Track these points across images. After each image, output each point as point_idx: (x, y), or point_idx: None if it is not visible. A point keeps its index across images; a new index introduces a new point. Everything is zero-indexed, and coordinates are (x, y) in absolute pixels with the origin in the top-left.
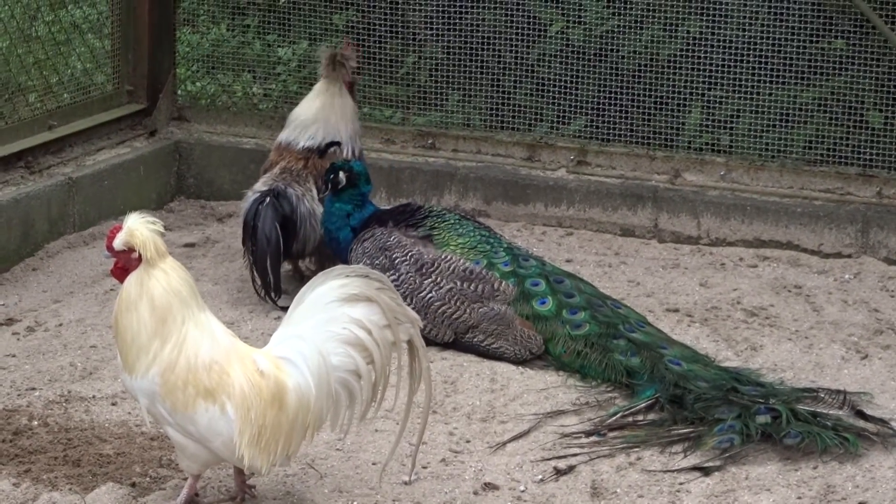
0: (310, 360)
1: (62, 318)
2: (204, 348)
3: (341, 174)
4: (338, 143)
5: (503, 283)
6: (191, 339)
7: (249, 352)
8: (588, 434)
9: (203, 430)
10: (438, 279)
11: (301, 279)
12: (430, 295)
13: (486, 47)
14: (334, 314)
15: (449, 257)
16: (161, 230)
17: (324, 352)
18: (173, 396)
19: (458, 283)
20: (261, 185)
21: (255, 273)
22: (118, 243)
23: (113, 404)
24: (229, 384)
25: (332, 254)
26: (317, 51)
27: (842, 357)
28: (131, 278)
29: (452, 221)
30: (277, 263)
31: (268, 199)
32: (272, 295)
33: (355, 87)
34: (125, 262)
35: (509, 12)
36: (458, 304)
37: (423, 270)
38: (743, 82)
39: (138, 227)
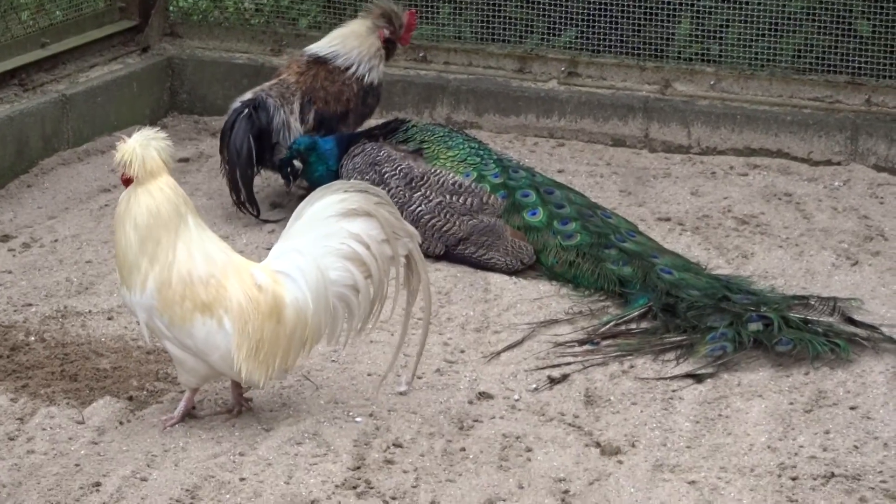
0: (308, 274)
1: (57, 234)
2: (198, 266)
3: (295, 163)
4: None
5: (492, 195)
6: (181, 259)
7: (247, 266)
8: (581, 343)
9: (201, 344)
10: (428, 193)
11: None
12: (419, 209)
13: None
14: (333, 229)
15: (438, 171)
16: (161, 149)
17: (322, 266)
18: (171, 311)
19: (448, 197)
20: (248, 95)
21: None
22: (116, 159)
23: (109, 319)
24: (226, 298)
25: None
26: None
27: (832, 264)
28: (122, 196)
29: (442, 135)
30: (248, 176)
31: (245, 111)
32: (247, 207)
33: (397, 46)
34: (127, 176)
35: None
36: (447, 217)
37: (413, 184)
38: None
39: (130, 146)
